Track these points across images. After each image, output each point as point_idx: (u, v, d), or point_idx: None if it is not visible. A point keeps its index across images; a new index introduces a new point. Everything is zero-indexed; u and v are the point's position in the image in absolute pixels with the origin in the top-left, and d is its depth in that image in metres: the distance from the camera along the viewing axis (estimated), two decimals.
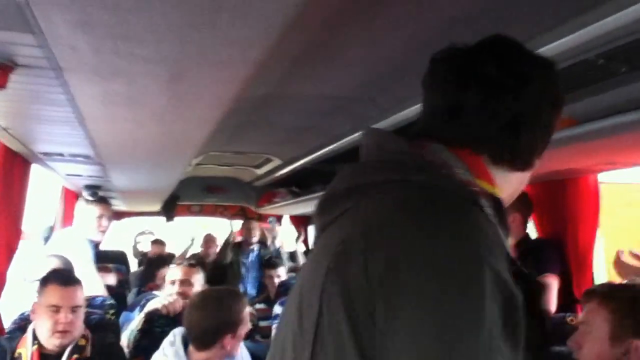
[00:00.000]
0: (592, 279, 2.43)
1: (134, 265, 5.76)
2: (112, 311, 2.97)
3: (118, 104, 1.66)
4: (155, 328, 2.51)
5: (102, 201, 3.57)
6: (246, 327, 2.12)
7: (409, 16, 1.56)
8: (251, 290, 4.88)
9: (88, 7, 1.06)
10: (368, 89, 2.22)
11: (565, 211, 2.44)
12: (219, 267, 4.92)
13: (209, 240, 5.54)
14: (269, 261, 4.49)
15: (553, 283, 2.35)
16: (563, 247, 2.47)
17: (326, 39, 1.70)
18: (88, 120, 1.92)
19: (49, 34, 1.20)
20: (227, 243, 5.12)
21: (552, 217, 2.53)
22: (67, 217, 4.18)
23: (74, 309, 2.12)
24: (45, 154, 2.69)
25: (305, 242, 5.77)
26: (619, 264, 1.73)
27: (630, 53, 1.30)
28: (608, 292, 1.53)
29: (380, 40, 1.75)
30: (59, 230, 4.03)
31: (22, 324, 2.41)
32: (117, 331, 2.70)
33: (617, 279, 2.18)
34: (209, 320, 2.00)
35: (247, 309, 2.18)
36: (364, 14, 1.55)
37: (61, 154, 2.73)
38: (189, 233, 5.86)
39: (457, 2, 1.42)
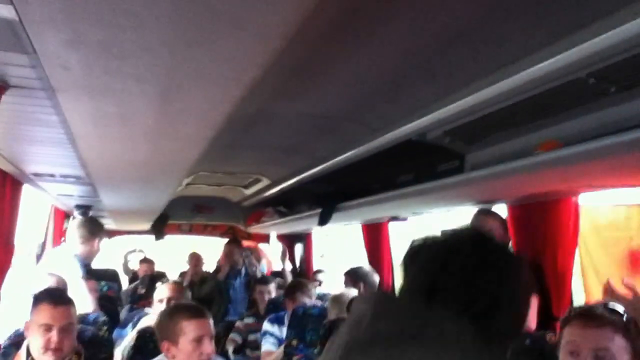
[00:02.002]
0: (571, 299, 2.40)
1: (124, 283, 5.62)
2: (105, 327, 2.90)
3: (109, 123, 1.59)
4: (149, 344, 2.48)
5: (97, 224, 3.48)
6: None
7: (397, 39, 1.53)
8: (241, 308, 4.79)
9: (81, 25, 1.00)
10: (357, 110, 2.18)
11: (546, 232, 2.41)
12: (206, 287, 4.86)
13: (195, 258, 5.42)
14: (261, 278, 4.48)
15: (532, 301, 2.31)
16: (542, 267, 2.44)
17: (316, 59, 1.67)
18: (79, 140, 1.85)
19: (42, 53, 1.14)
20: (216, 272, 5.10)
21: (531, 238, 2.50)
22: (57, 235, 4.08)
23: (65, 328, 2.08)
24: (36, 174, 2.60)
25: (292, 260, 5.68)
26: (609, 293, 1.69)
27: (620, 72, 1.28)
28: (612, 315, 1.50)
29: (369, 62, 1.72)
30: (51, 248, 3.93)
31: (17, 340, 2.36)
32: (110, 347, 2.67)
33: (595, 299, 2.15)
34: None
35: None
36: (354, 36, 1.52)
37: (52, 175, 2.65)
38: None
39: (446, 25, 1.39)
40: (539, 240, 2.47)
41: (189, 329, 1.95)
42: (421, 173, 2.50)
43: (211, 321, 2.05)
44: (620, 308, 1.58)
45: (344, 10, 1.36)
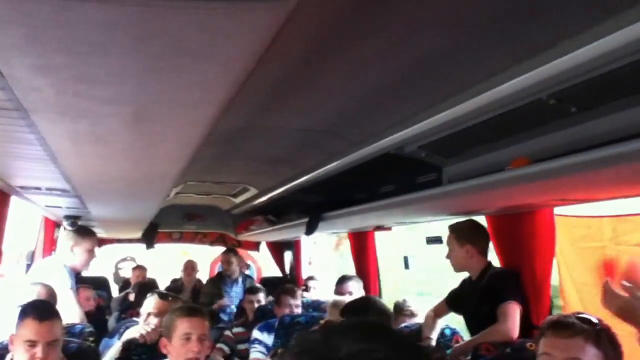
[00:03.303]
0: (550, 308, 2.41)
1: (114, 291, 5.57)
2: (91, 338, 2.86)
3: (87, 142, 1.58)
4: (133, 356, 2.47)
5: (91, 234, 3.45)
6: None
7: (376, 58, 1.53)
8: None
9: (46, 50, 0.99)
10: (337, 124, 2.19)
11: (523, 243, 2.42)
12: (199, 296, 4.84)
13: (188, 267, 5.39)
14: (251, 287, 4.45)
15: (515, 310, 2.31)
16: (521, 277, 2.44)
17: (298, 76, 1.67)
18: (59, 157, 1.83)
19: (9, 77, 1.12)
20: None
21: (510, 248, 2.51)
22: (47, 245, 4.04)
23: (50, 343, 2.05)
24: (23, 187, 2.58)
25: (282, 267, 5.67)
26: (609, 294, 1.67)
27: (580, 94, 1.29)
28: (586, 325, 1.49)
29: (349, 79, 1.72)
30: (40, 258, 3.89)
31: (1, 353, 2.32)
32: (96, 358, 2.61)
33: (574, 308, 2.15)
34: None
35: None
36: (333, 55, 1.52)
37: (38, 188, 2.62)
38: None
39: (422, 45, 1.39)
40: (517, 250, 2.48)
41: (180, 326, 2.03)
42: (401, 185, 2.50)
43: (206, 323, 2.10)
44: (593, 317, 1.58)
45: (323, 29, 1.36)
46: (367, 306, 2.41)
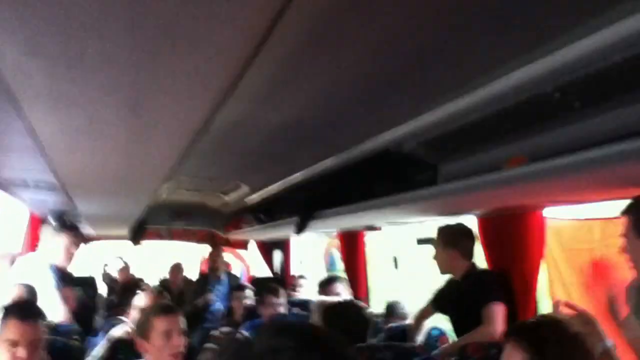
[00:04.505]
0: (536, 310, 2.41)
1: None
2: (77, 337, 2.82)
3: (78, 133, 1.53)
4: (119, 356, 2.43)
5: (73, 229, 3.37)
6: None
7: (371, 52, 1.51)
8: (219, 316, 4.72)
9: (39, 34, 0.96)
10: (332, 120, 2.16)
11: (512, 245, 2.42)
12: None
13: (175, 269, 5.32)
14: (238, 285, 4.44)
15: (500, 311, 2.31)
16: (509, 278, 2.44)
17: (291, 70, 1.64)
18: (49, 149, 1.79)
19: (0, 60, 1.09)
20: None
21: (499, 250, 2.51)
22: (33, 241, 3.96)
23: (32, 343, 2.01)
24: (7, 180, 2.52)
25: (271, 266, 5.62)
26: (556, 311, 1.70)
27: (585, 87, 1.27)
28: (521, 331, 1.48)
29: (343, 74, 1.69)
30: (23, 256, 3.80)
31: None
32: (82, 358, 2.59)
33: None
34: None
35: None
36: (328, 49, 1.49)
37: (24, 180, 2.57)
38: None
39: (418, 40, 1.37)
40: (506, 252, 2.48)
41: (158, 325, 2.07)
42: (396, 183, 2.48)
43: (181, 318, 2.15)
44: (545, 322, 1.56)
45: (318, 22, 1.33)
46: (346, 313, 2.42)
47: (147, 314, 2.15)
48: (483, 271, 2.54)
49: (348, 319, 2.34)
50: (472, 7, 1.21)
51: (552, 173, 1.49)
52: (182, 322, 2.14)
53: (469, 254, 2.54)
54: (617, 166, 1.37)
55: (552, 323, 1.48)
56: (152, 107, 1.28)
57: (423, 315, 2.78)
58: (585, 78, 1.23)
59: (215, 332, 3.82)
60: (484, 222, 2.58)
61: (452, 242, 2.53)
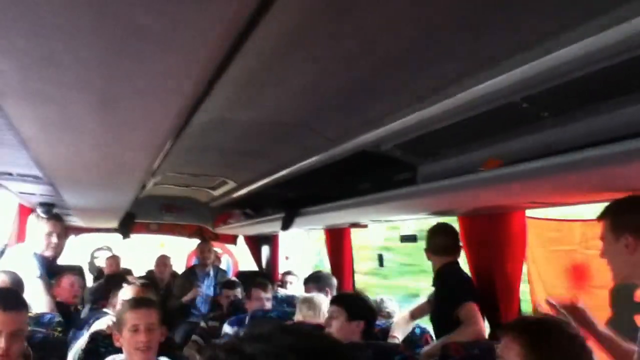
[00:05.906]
0: (519, 309, 2.43)
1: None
2: (59, 329, 2.80)
3: (56, 128, 1.53)
4: (100, 348, 2.41)
5: (53, 218, 3.36)
6: None
7: (348, 54, 1.52)
8: (204, 309, 4.73)
9: (9, 33, 0.96)
10: (311, 119, 2.17)
11: (495, 245, 2.44)
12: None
13: (161, 262, 5.30)
14: (228, 282, 4.40)
15: (476, 309, 2.34)
16: (491, 278, 2.46)
17: (270, 69, 1.64)
18: (30, 143, 1.78)
19: None
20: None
21: (482, 250, 2.53)
22: (22, 233, 3.94)
23: (14, 333, 1.98)
24: None
25: (259, 261, 5.64)
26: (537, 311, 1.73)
27: (553, 98, 1.29)
28: (520, 326, 1.50)
29: (322, 74, 1.70)
30: (11, 246, 3.80)
31: None
32: (63, 349, 2.57)
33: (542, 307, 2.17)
34: None
35: None
36: (310, 47, 1.50)
37: (10, 173, 2.56)
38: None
39: (395, 44, 1.38)
40: (488, 251, 2.50)
41: (128, 319, 2.09)
42: (377, 182, 2.50)
43: (154, 313, 2.14)
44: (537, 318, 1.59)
45: (297, 23, 1.34)
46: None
47: (122, 307, 2.19)
48: (450, 270, 2.56)
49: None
50: (450, 10, 1.22)
51: (528, 175, 1.51)
52: (153, 317, 2.12)
53: (440, 250, 2.57)
54: (592, 170, 1.39)
55: (552, 322, 1.51)
56: (126, 106, 1.28)
57: (412, 314, 2.77)
58: (560, 85, 1.25)
59: (202, 324, 3.84)
60: (465, 222, 2.60)
61: (427, 241, 2.59)
